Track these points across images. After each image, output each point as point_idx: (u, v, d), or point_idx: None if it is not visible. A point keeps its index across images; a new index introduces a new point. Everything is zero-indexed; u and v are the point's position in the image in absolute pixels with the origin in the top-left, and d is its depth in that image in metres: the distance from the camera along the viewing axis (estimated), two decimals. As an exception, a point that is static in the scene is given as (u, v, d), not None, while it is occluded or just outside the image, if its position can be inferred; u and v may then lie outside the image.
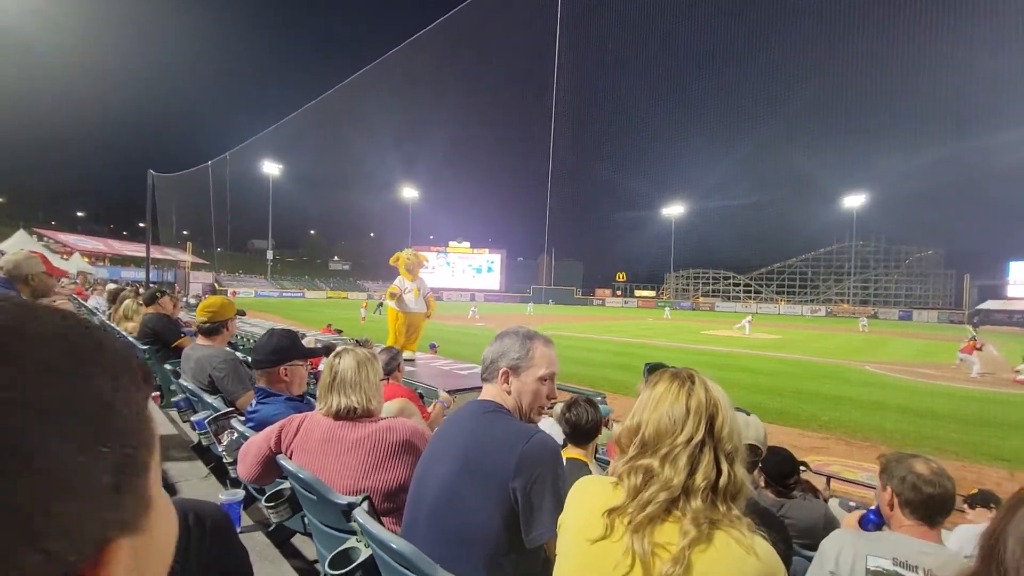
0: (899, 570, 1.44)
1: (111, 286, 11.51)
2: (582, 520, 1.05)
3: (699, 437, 0.99)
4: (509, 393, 1.55)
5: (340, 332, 12.65)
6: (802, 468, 2.99)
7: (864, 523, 1.82)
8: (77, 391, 0.28)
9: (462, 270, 78.59)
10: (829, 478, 5.08)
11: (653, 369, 1.24)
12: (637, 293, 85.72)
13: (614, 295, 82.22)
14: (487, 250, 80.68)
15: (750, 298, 78.45)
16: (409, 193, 79.11)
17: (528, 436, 1.36)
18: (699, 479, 0.96)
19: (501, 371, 1.55)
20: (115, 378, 0.30)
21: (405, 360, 4.66)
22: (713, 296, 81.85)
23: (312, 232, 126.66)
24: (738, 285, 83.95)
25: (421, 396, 4.09)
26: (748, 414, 1.96)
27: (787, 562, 1.65)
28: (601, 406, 3.44)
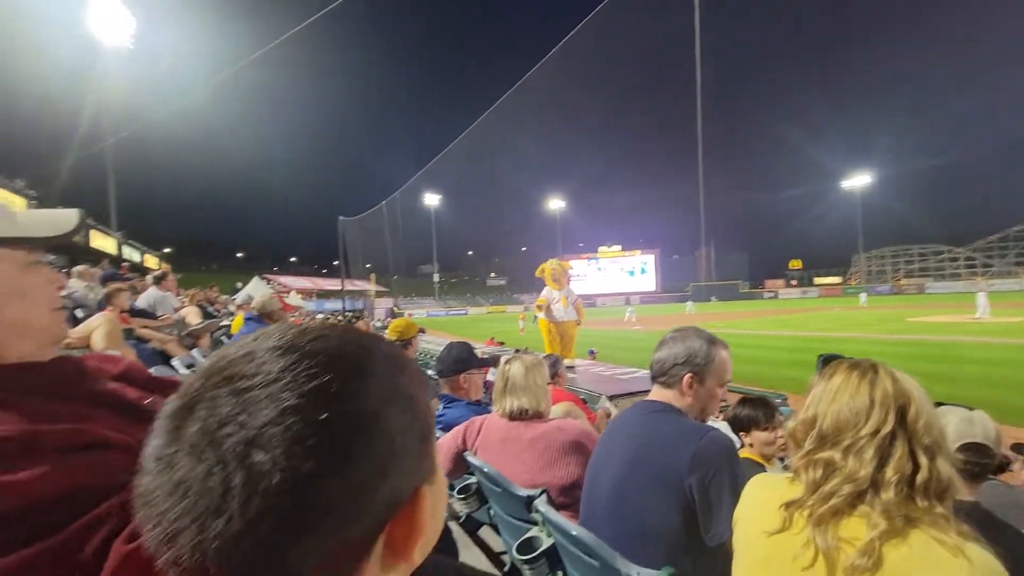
0: None
1: (319, 316, 13.87)
2: (758, 514, 1.02)
3: (888, 429, 0.90)
4: (690, 398, 1.53)
5: (502, 344, 13.44)
6: None
7: None
8: (400, 387, 0.41)
9: (614, 274, 77.36)
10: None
11: (828, 360, 1.14)
12: (817, 281, 75.20)
13: (788, 285, 73.15)
14: (639, 251, 78.34)
15: (975, 274, 63.39)
16: (556, 204, 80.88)
17: (702, 433, 1.36)
18: (890, 472, 0.87)
19: (686, 376, 1.52)
20: (412, 380, 0.43)
21: (566, 367, 4.81)
22: (921, 276, 68.00)
23: (470, 253, 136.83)
24: (955, 260, 68.55)
25: (584, 401, 4.19)
26: (971, 409, 1.64)
27: None
28: (782, 408, 3.15)
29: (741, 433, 2.42)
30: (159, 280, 6.98)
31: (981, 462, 1.50)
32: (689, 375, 1.52)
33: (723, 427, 3.10)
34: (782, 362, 11.86)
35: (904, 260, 72.80)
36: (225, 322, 7.81)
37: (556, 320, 7.33)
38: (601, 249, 79.11)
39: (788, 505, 0.96)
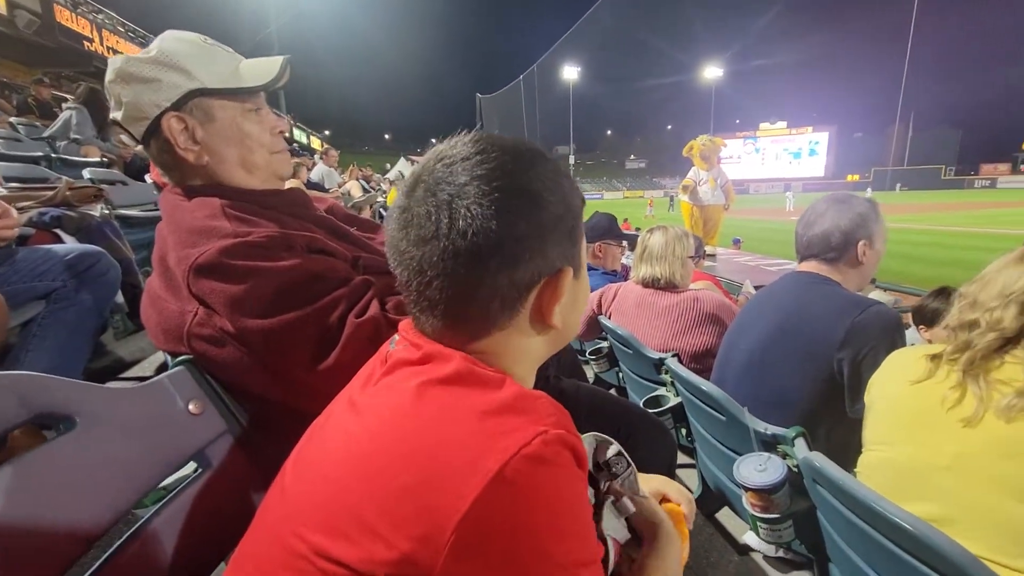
0: None
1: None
2: (900, 368, 1.03)
3: None
4: (861, 266, 1.45)
5: (637, 229, 13.08)
6: None
7: None
8: (561, 186, 0.52)
9: (775, 156, 67.83)
10: None
11: None
12: (1061, 167, 58.30)
13: (1016, 171, 57.94)
14: (810, 128, 66.80)
15: None
16: (712, 72, 70.95)
17: (863, 307, 1.29)
18: None
19: (860, 243, 1.42)
20: (570, 188, 0.54)
21: (707, 254, 4.59)
22: None
23: (609, 132, 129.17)
24: None
25: (721, 283, 4.05)
26: None
27: None
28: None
29: (922, 327, 2.19)
30: (323, 155, 7.85)
31: None
32: (863, 241, 1.41)
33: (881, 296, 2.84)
34: (977, 263, 9.91)
35: None
36: (380, 198, 8.69)
37: (701, 203, 6.87)
38: (763, 126, 68.99)
39: (934, 356, 0.96)
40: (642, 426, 1.11)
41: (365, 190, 8.19)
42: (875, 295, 3.95)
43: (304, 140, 25.37)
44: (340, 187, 7.48)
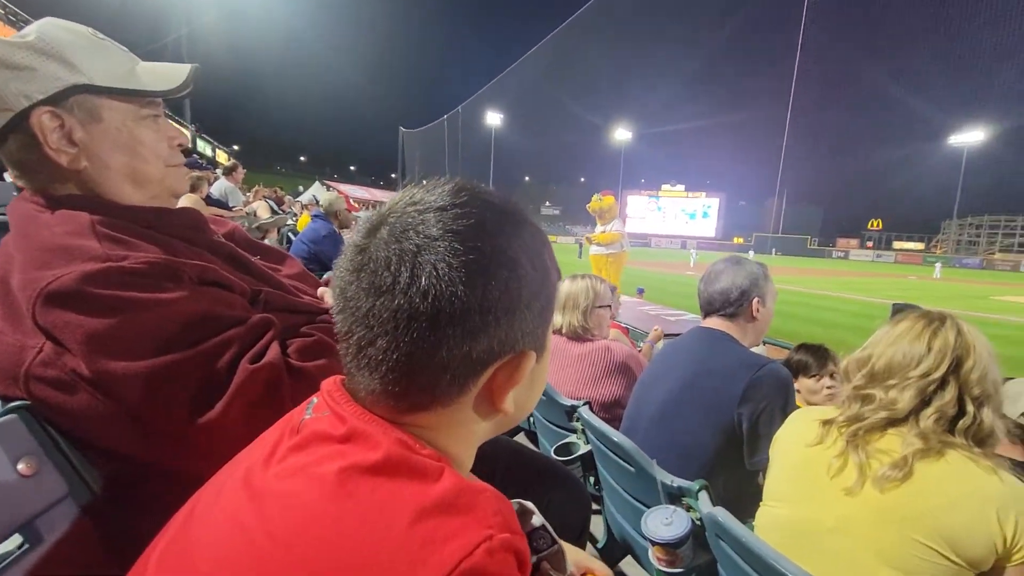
0: None
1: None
2: (798, 430, 1.09)
3: (938, 375, 0.94)
4: (755, 322, 1.57)
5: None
6: None
7: None
8: (541, 255, 0.47)
9: (674, 215, 74.29)
10: None
11: (901, 309, 1.14)
12: (896, 245, 69.55)
13: (863, 246, 68.21)
14: (703, 194, 74.31)
15: (1087, 256, 56.71)
16: (622, 135, 77.03)
17: (759, 365, 1.39)
18: (931, 411, 0.92)
19: (754, 301, 1.55)
20: (550, 258, 0.49)
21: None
22: (1020, 252, 61.54)
23: (527, 178, 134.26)
24: (1066, 238, 61.31)
25: (628, 331, 4.24)
26: None
27: None
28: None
29: None
30: (229, 171, 7.31)
31: None
32: (756, 299, 1.54)
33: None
34: (840, 324, 11.39)
35: (1004, 231, 65.78)
36: (290, 220, 8.22)
37: (591, 253, 7.25)
38: (664, 187, 75.57)
39: (826, 422, 1.03)
40: (559, 483, 1.08)
41: (274, 211, 7.71)
42: (759, 350, 4.33)
43: (209, 153, 23.63)
44: (245, 206, 6.97)
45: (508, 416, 0.49)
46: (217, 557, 0.38)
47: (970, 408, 0.93)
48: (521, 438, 2.84)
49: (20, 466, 0.64)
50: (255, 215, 6.50)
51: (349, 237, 0.47)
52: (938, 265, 36.96)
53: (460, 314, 0.41)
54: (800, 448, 1.06)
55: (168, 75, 0.83)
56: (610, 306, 3.37)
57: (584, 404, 1.79)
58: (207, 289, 0.75)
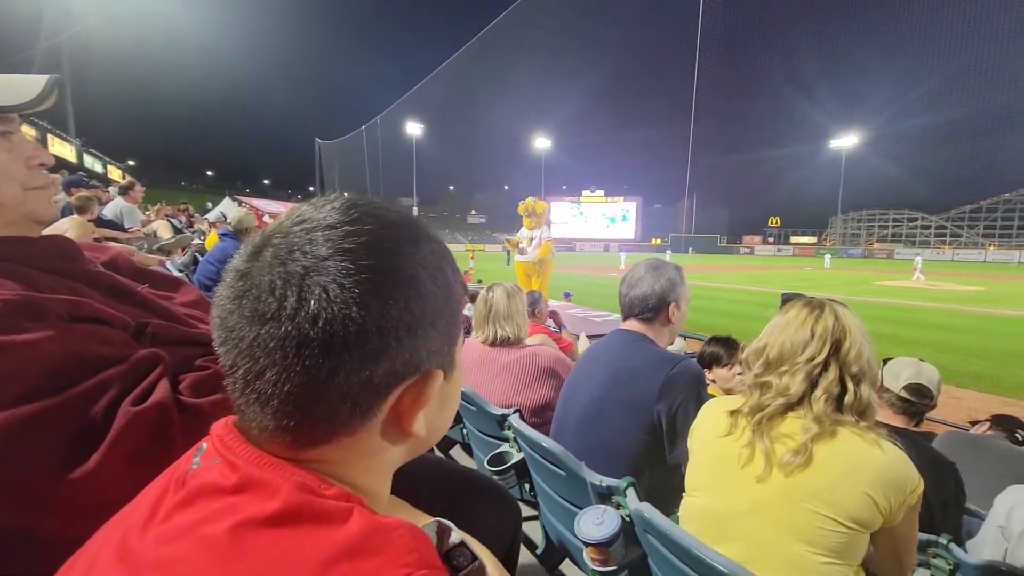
0: None
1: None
2: (710, 422, 1.16)
3: (821, 358, 1.05)
4: (671, 324, 1.65)
5: (480, 282, 13.56)
6: (1019, 434, 2.68)
7: None
8: (442, 270, 0.45)
9: (596, 219, 77.09)
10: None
11: (789, 299, 1.25)
12: (793, 240, 76.67)
13: (765, 242, 74.56)
14: (622, 198, 77.77)
15: (943, 243, 65.38)
16: (542, 143, 78.88)
17: (674, 363, 1.45)
18: (819, 392, 1.03)
19: (671, 305, 1.63)
20: (454, 272, 0.47)
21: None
22: (893, 242, 69.80)
23: (451, 188, 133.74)
24: (927, 228, 70.29)
25: (559, 331, 4.32)
26: (922, 360, 1.83)
27: (959, 506, 1.56)
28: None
29: (705, 370, 2.57)
30: (126, 190, 6.66)
31: (921, 401, 1.69)
32: (672, 304, 1.62)
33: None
34: (747, 315, 12.31)
35: (879, 224, 74.36)
36: (197, 239, 7.62)
37: (519, 259, 7.34)
38: (585, 193, 78.29)
39: (733, 412, 1.11)
40: (485, 496, 1.07)
41: (177, 230, 7.11)
42: (677, 342, 4.59)
43: (99, 169, 21.43)
44: (144, 226, 6.38)
45: (420, 439, 0.47)
46: None
47: (851, 385, 1.03)
48: (457, 450, 2.81)
49: None
50: (155, 235, 5.97)
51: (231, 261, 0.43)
52: (828, 256, 41.01)
53: (356, 338, 0.38)
54: (713, 440, 1.13)
55: (18, 88, 0.73)
56: (535, 313, 3.43)
57: (514, 412, 1.79)
58: (79, 326, 0.66)
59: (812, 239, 77.03)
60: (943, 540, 1.22)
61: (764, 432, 1.04)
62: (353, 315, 0.38)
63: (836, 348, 1.06)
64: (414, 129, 75.99)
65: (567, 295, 11.16)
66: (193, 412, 0.67)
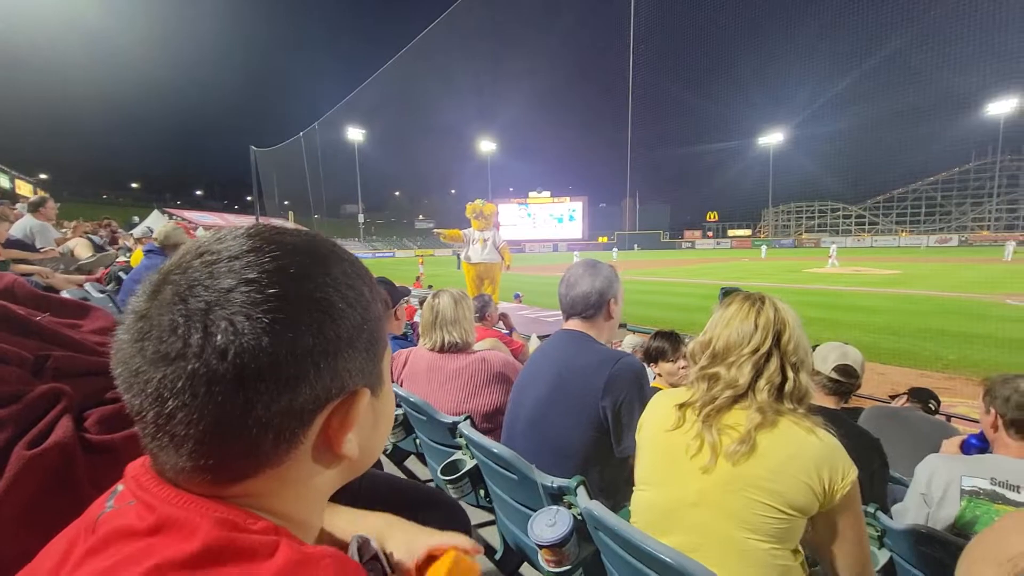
0: (997, 489, 1.41)
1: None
2: (658, 416, 1.19)
3: (765, 349, 1.10)
4: (611, 321, 1.69)
5: (430, 287, 13.43)
6: (931, 404, 2.94)
7: (966, 448, 1.77)
8: (356, 289, 0.44)
9: (544, 220, 77.98)
10: (949, 417, 4.73)
11: (728, 293, 1.31)
12: (731, 233, 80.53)
13: (705, 236, 77.97)
14: (568, 198, 79.13)
15: (863, 231, 70.67)
16: (487, 146, 79.07)
17: (616, 360, 1.48)
18: (763, 382, 1.07)
19: (610, 301, 1.67)
20: (372, 290, 0.46)
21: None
22: (819, 231, 74.72)
23: (397, 193, 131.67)
24: (848, 217, 75.75)
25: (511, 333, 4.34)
26: (846, 343, 1.97)
27: (884, 478, 1.68)
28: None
29: (651, 364, 2.65)
30: (36, 207, 6.12)
31: (848, 381, 1.82)
32: (611, 299, 1.66)
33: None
34: (692, 307, 12.84)
35: (806, 216, 79.33)
36: (122, 257, 7.11)
37: (472, 261, 7.31)
38: (531, 194, 79.09)
39: (681, 406, 1.14)
40: (433, 507, 1.05)
41: (98, 247, 6.60)
42: (628, 339, 4.71)
43: (6, 184, 19.60)
44: (59, 245, 5.88)
45: (353, 461, 0.45)
46: None
47: (790, 374, 1.09)
48: (412, 461, 2.76)
49: None
50: (71, 255, 5.53)
51: (130, 301, 0.40)
52: (764, 247, 43.48)
53: (269, 368, 0.37)
54: (661, 434, 1.16)
55: None
56: (484, 318, 3.43)
57: (465, 419, 1.78)
58: None
59: (748, 232, 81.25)
60: (871, 509, 1.31)
61: (712, 424, 1.07)
62: (264, 345, 0.36)
63: (778, 339, 1.11)
64: (355, 135, 74.30)
65: (517, 296, 11.25)
66: (102, 450, 0.62)
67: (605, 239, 73.07)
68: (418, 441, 2.24)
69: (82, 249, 5.81)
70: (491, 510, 1.81)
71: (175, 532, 0.36)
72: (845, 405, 2.01)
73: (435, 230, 7.47)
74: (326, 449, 0.43)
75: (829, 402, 1.88)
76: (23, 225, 5.67)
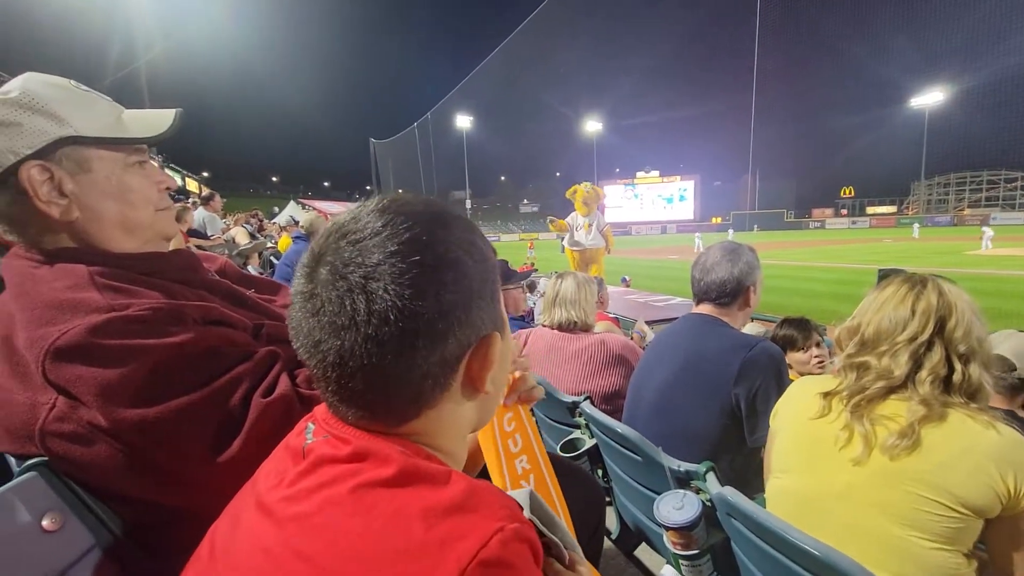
0: None
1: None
2: (799, 403, 1.13)
3: (925, 337, 0.98)
4: (745, 309, 1.62)
5: (536, 270, 13.58)
6: None
7: None
8: (475, 244, 0.50)
9: (651, 201, 74.90)
10: None
11: (887, 275, 1.18)
12: (870, 210, 70.98)
13: (838, 215, 69.51)
14: (678, 177, 75.06)
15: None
16: (593, 127, 77.43)
17: (751, 345, 1.42)
18: (924, 373, 0.97)
19: (749, 288, 1.60)
20: (484, 243, 0.52)
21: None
22: (988, 206, 63.08)
23: (502, 178, 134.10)
24: (1027, 188, 63.00)
25: (619, 321, 4.29)
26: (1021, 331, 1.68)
27: None
28: (826, 339, 3.18)
29: None
30: (207, 201, 7.23)
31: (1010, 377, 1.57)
32: (751, 287, 1.59)
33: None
34: (821, 294, 11.61)
35: (970, 188, 67.41)
36: (270, 244, 8.13)
37: (579, 247, 7.25)
38: (639, 175, 76.12)
39: (827, 394, 1.06)
40: (572, 480, 1.10)
41: (252, 236, 7.63)
42: (750, 327, 4.41)
43: (179, 182, 23.32)
44: (223, 233, 6.89)
45: (489, 396, 0.53)
46: None
47: (958, 365, 0.97)
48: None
49: (45, 522, 0.64)
50: (234, 241, 6.44)
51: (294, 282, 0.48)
52: (916, 225, 37.78)
53: (425, 326, 0.43)
54: (803, 421, 1.10)
55: (153, 122, 0.84)
56: (601, 300, 3.43)
57: (585, 399, 1.82)
58: (211, 328, 0.76)
59: (891, 208, 71.11)
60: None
61: (864, 414, 1.00)
62: (418, 308, 0.42)
63: (941, 326, 1.00)
64: (464, 122, 76.74)
65: (625, 280, 10.99)
66: (311, 403, 0.75)
67: (719, 220, 68.12)
68: (535, 418, 2.33)
69: (241, 236, 6.75)
70: (608, 490, 1.84)
71: (372, 460, 0.44)
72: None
73: (549, 219, 7.53)
74: (470, 388, 0.50)
75: (997, 401, 1.63)
76: (198, 216, 6.72)
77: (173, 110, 0.86)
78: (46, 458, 0.68)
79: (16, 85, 0.75)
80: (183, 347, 0.69)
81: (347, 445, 0.45)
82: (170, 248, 0.90)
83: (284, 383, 0.75)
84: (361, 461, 0.44)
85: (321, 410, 0.50)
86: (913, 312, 1.01)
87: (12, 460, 0.73)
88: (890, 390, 0.99)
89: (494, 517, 0.41)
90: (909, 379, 0.98)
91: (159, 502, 0.71)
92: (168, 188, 0.89)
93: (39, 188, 0.74)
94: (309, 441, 0.48)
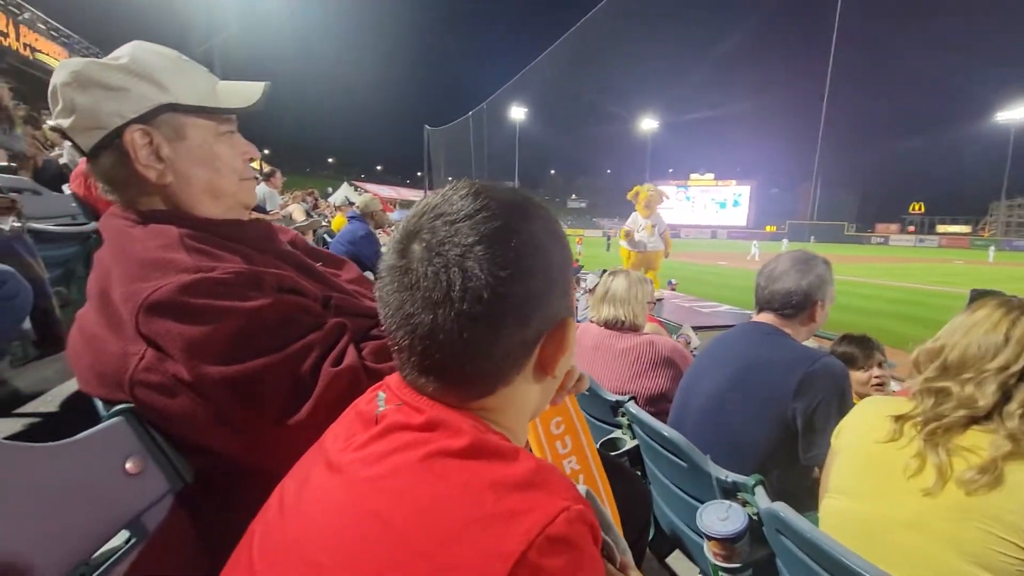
0: None
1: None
2: (866, 425, 1.07)
3: (1018, 367, 0.90)
4: (810, 324, 1.54)
5: (582, 267, 13.45)
6: None
7: None
8: (556, 232, 0.51)
9: (704, 205, 72.62)
10: None
11: (980, 296, 1.09)
12: (940, 229, 66.44)
13: (904, 231, 65.45)
14: (734, 182, 72.41)
15: None
16: (648, 124, 75.74)
17: (814, 359, 1.36)
18: (1015, 406, 0.89)
19: (818, 303, 1.51)
20: (558, 224, 0.53)
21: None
22: (1078, 233, 57.72)
23: (552, 172, 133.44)
24: None
25: (664, 325, 4.20)
26: None
27: None
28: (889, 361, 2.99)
29: None
30: (268, 177, 7.53)
31: None
32: (819, 302, 1.51)
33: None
34: (882, 312, 10.98)
35: (1059, 212, 61.96)
36: (323, 222, 8.41)
37: (640, 250, 7.14)
38: (693, 176, 73.90)
39: (899, 417, 0.99)
40: (621, 479, 1.09)
41: (308, 214, 7.91)
42: (807, 342, 4.23)
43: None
44: (282, 209, 7.18)
45: (554, 381, 0.54)
46: (321, 542, 0.41)
47: None
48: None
49: (128, 465, 0.69)
50: (291, 218, 6.69)
51: (384, 241, 0.49)
52: (992, 248, 35.05)
53: (513, 307, 0.45)
54: (869, 443, 1.04)
55: (244, 93, 0.88)
56: (652, 301, 3.36)
57: (630, 399, 1.79)
58: (286, 296, 0.78)
59: (965, 228, 66.26)
60: None
61: (939, 443, 0.93)
62: (508, 290, 0.44)
63: None
64: (518, 114, 76.60)
65: (671, 284, 10.73)
66: (376, 375, 0.77)
67: (774, 228, 65.40)
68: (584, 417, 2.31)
69: (298, 214, 7.01)
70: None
71: (444, 430, 0.45)
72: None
73: (625, 228, 7.43)
74: (541, 371, 0.51)
75: None
76: (259, 191, 7.02)
77: (262, 83, 0.89)
78: (132, 405, 0.73)
79: (126, 52, 0.80)
80: (261, 311, 0.72)
81: (421, 414, 0.46)
82: (250, 218, 0.94)
83: (352, 355, 0.77)
84: (432, 431, 0.45)
85: (394, 379, 0.51)
86: (1007, 339, 0.93)
87: (100, 405, 0.79)
88: (972, 420, 0.92)
89: (560, 496, 0.41)
90: (995, 411, 0.91)
91: (231, 457, 0.75)
92: (251, 158, 0.92)
93: (139, 151, 0.79)
94: (381, 408, 0.49)
